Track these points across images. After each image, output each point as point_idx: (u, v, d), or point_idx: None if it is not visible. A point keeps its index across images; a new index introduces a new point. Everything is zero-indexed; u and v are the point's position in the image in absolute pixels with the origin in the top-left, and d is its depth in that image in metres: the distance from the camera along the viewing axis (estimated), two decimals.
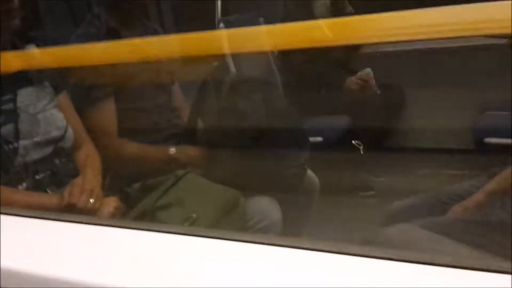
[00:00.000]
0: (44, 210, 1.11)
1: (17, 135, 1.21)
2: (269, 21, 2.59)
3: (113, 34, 1.52)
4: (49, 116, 1.29)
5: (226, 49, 1.20)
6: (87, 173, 1.31)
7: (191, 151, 1.53)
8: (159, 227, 0.79)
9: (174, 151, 1.50)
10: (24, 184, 1.21)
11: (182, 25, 3.10)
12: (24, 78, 1.30)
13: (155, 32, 1.69)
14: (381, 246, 1.17)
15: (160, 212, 1.24)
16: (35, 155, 1.23)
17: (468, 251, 1.05)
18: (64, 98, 1.39)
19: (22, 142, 1.21)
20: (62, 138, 1.29)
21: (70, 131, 1.33)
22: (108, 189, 1.38)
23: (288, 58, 2.44)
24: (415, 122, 2.42)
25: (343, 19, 1.05)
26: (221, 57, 1.87)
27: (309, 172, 1.70)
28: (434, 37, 0.84)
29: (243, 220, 1.37)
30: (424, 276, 0.57)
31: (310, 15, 2.54)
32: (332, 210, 1.76)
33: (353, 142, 2.18)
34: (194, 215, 1.21)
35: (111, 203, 1.25)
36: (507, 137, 1.96)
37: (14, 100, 1.24)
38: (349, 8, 2.55)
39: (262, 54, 2.43)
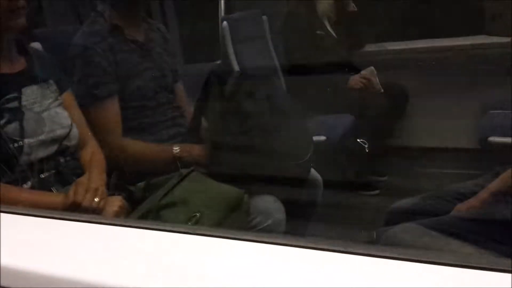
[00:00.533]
0: (49, 209, 1.11)
1: (22, 134, 1.20)
2: (272, 19, 2.60)
3: (116, 31, 1.52)
4: (54, 115, 1.29)
5: None
6: (92, 172, 1.31)
7: (195, 150, 1.53)
8: (163, 226, 0.79)
9: (178, 150, 1.50)
10: (29, 183, 1.21)
11: (186, 23, 3.10)
12: (29, 76, 1.31)
13: (158, 31, 1.69)
14: (384, 245, 1.18)
15: (164, 211, 1.24)
16: (40, 153, 1.23)
17: (471, 250, 1.05)
18: (68, 96, 1.40)
19: (27, 141, 1.20)
20: (67, 136, 1.30)
21: (75, 130, 1.33)
22: (112, 188, 1.38)
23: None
24: (418, 121, 2.42)
25: None
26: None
27: (313, 171, 1.71)
28: None
29: (247, 219, 1.38)
30: (427, 274, 0.58)
31: (313, 13, 2.54)
32: (335, 209, 1.76)
33: (357, 140, 2.17)
34: (198, 214, 1.21)
35: (116, 202, 1.25)
36: (511, 135, 1.95)
37: (19, 99, 1.25)
38: (352, 6, 2.55)
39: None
